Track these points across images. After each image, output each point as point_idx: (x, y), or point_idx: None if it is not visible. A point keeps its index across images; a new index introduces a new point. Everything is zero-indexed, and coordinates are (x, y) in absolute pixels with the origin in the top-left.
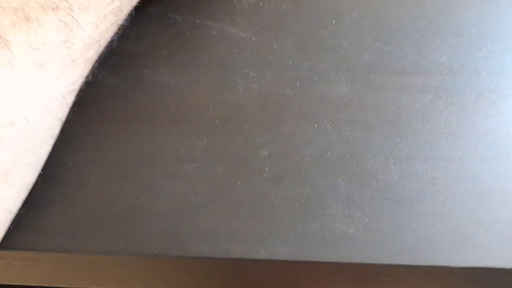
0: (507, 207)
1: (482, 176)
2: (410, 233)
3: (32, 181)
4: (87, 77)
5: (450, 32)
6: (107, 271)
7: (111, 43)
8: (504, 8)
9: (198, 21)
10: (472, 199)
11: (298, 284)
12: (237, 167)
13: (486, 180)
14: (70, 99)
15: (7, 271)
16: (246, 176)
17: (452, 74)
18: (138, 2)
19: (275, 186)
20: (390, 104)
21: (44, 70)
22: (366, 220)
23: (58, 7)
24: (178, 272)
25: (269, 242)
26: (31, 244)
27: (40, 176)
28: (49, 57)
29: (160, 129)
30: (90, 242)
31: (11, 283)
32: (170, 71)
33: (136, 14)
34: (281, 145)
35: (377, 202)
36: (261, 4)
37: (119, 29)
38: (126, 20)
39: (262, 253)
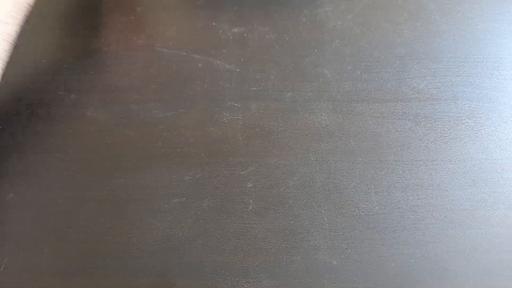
0: (485, 234)
1: (460, 203)
2: (391, 263)
3: None
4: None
5: (429, 58)
6: None
7: None
8: (480, 34)
9: (184, 53)
10: (451, 227)
11: None
12: (223, 200)
13: (465, 207)
14: None
15: None
16: (231, 209)
17: (431, 101)
18: (126, 37)
19: (259, 219)
20: (371, 132)
21: None
22: (349, 250)
23: None
24: None
25: (253, 275)
26: (23, 284)
27: (22, 218)
28: None
29: (148, 164)
30: (80, 280)
31: None
32: (157, 106)
33: (123, 49)
34: (265, 176)
35: (359, 232)
36: (245, 35)
37: None
38: (114, 55)
39: (247, 287)
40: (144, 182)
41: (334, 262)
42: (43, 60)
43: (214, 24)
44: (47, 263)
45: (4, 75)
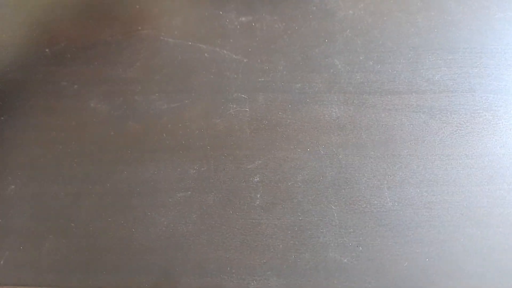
0: (503, 233)
1: (478, 200)
2: (404, 262)
3: None
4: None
5: (444, 49)
6: None
7: None
8: (497, 23)
9: (190, 43)
10: (467, 225)
11: None
12: (229, 195)
13: (482, 204)
14: None
15: None
16: (237, 204)
17: (447, 92)
18: (130, 26)
19: (267, 214)
20: (384, 125)
21: None
22: (360, 248)
23: None
24: None
25: (260, 274)
26: (23, 279)
27: (24, 211)
28: None
29: (151, 157)
30: (81, 277)
31: None
32: (162, 97)
33: (127, 38)
34: (273, 171)
35: (370, 230)
36: (253, 24)
37: None
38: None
39: (253, 285)
40: (147, 175)
41: (345, 261)
42: (46, 50)
43: (221, 13)
44: (47, 258)
45: (6, 66)
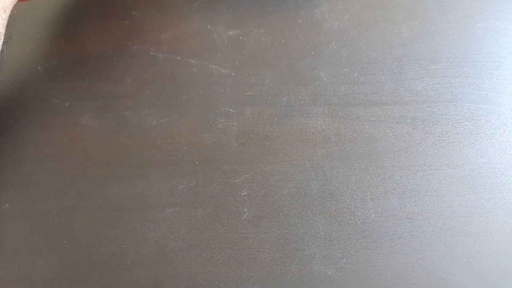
0: (484, 241)
1: (458, 209)
2: (387, 272)
3: None
4: None
5: (427, 59)
6: None
7: None
8: (479, 32)
9: (179, 58)
10: (448, 234)
11: None
12: (217, 209)
13: (462, 213)
14: None
15: None
16: (225, 218)
17: (429, 103)
18: (121, 42)
19: (254, 228)
20: (367, 137)
21: None
22: (344, 260)
23: None
24: None
25: (248, 286)
26: None
27: (18, 229)
28: None
29: (141, 172)
30: None
31: None
32: (152, 112)
33: (118, 53)
34: (260, 184)
35: (354, 241)
36: (240, 38)
37: None
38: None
39: None
40: (137, 191)
41: (329, 272)
42: (39, 68)
43: (209, 27)
44: (41, 274)
45: None
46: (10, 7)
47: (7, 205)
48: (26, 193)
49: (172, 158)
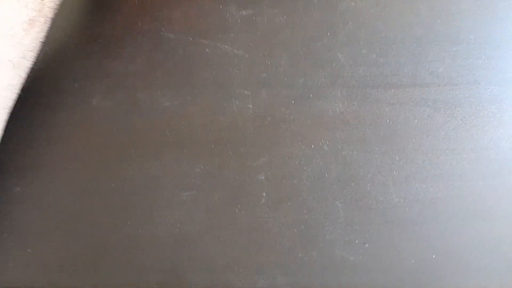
0: (510, 226)
1: (484, 194)
2: (411, 258)
3: None
4: None
5: (448, 40)
6: None
7: None
8: (502, 13)
9: (191, 38)
10: (474, 219)
11: None
12: (234, 193)
13: (488, 198)
14: None
15: None
16: (243, 202)
17: (451, 85)
18: (131, 21)
19: (273, 212)
20: (388, 120)
21: None
22: (366, 245)
23: None
24: None
25: (267, 272)
26: (30, 279)
27: (30, 213)
28: None
29: (156, 154)
30: (89, 276)
31: None
32: (164, 93)
33: (128, 33)
34: (278, 168)
35: (376, 226)
36: (254, 18)
37: None
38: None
39: (261, 284)
40: (152, 173)
41: (351, 258)
42: (46, 48)
43: (221, 6)
44: (54, 258)
45: None
46: None
47: (18, 188)
48: (37, 176)
49: (187, 140)
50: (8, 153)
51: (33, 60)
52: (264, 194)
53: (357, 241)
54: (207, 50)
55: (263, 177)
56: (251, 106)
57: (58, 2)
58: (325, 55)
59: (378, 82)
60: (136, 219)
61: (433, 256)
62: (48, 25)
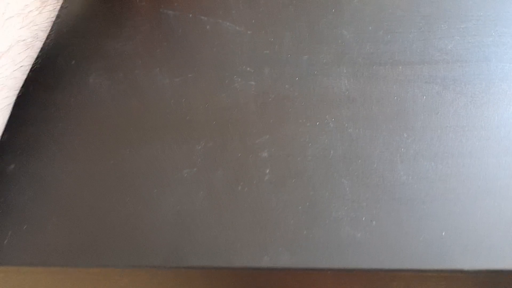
0: None
1: (495, 172)
2: (420, 236)
3: None
4: None
5: (457, 17)
6: (108, 284)
7: None
8: None
9: (191, 15)
10: (485, 197)
11: None
12: (237, 171)
13: (499, 176)
14: None
15: (6, 285)
16: (246, 180)
17: (460, 62)
18: None
19: (277, 190)
20: (395, 98)
21: None
22: (373, 223)
23: None
24: (179, 284)
25: (272, 250)
26: (27, 259)
27: (25, 191)
28: None
29: (155, 133)
30: (87, 256)
31: None
32: (163, 71)
33: (126, 11)
34: (282, 145)
35: (384, 204)
36: None
37: None
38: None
39: (265, 261)
40: (151, 153)
41: (358, 235)
42: None
43: None
44: (50, 239)
45: None
46: None
47: (13, 166)
48: (32, 154)
49: (187, 118)
50: (3, 132)
51: (44, 40)
52: (267, 171)
53: (364, 218)
54: (208, 27)
55: (266, 155)
56: (253, 83)
57: None
58: (330, 32)
59: (385, 59)
60: (135, 198)
61: (442, 234)
62: (61, 3)
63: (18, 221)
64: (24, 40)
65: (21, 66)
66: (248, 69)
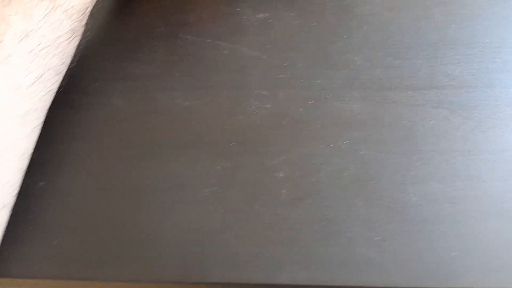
0: None
1: (501, 194)
2: (430, 256)
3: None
4: None
5: (463, 44)
6: None
7: None
8: None
9: (208, 40)
10: (492, 219)
11: None
12: (254, 190)
13: (505, 199)
14: None
15: None
16: (263, 199)
17: (467, 88)
18: (148, 23)
19: (293, 209)
20: (405, 121)
21: None
22: (386, 243)
23: None
24: None
25: (288, 267)
26: (51, 271)
27: (54, 206)
28: None
29: (175, 153)
30: (108, 270)
31: None
32: (182, 94)
33: (144, 36)
34: (297, 166)
35: (396, 224)
36: (270, 21)
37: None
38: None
39: (283, 278)
40: (171, 172)
41: (372, 255)
42: None
43: (237, 9)
44: (77, 251)
45: None
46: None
47: (42, 183)
48: (60, 172)
49: (206, 139)
50: (34, 150)
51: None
52: (283, 191)
53: (376, 238)
54: (224, 51)
55: (282, 175)
56: (269, 106)
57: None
58: (341, 57)
59: (395, 84)
60: (155, 216)
61: (452, 254)
62: (83, 31)
63: (47, 235)
64: (54, 67)
65: (50, 90)
66: (263, 92)
